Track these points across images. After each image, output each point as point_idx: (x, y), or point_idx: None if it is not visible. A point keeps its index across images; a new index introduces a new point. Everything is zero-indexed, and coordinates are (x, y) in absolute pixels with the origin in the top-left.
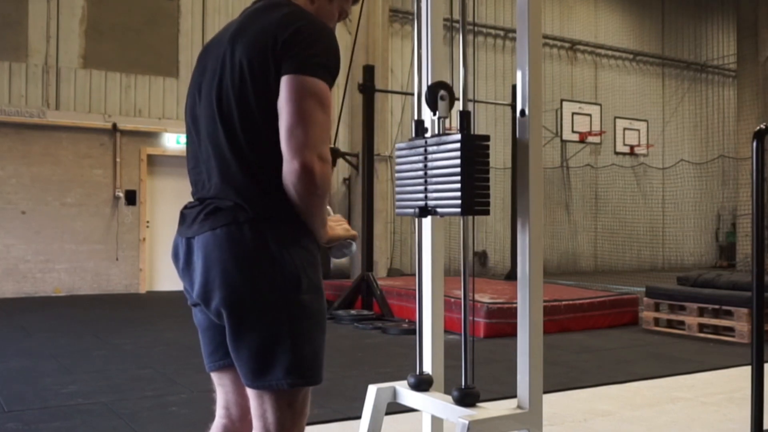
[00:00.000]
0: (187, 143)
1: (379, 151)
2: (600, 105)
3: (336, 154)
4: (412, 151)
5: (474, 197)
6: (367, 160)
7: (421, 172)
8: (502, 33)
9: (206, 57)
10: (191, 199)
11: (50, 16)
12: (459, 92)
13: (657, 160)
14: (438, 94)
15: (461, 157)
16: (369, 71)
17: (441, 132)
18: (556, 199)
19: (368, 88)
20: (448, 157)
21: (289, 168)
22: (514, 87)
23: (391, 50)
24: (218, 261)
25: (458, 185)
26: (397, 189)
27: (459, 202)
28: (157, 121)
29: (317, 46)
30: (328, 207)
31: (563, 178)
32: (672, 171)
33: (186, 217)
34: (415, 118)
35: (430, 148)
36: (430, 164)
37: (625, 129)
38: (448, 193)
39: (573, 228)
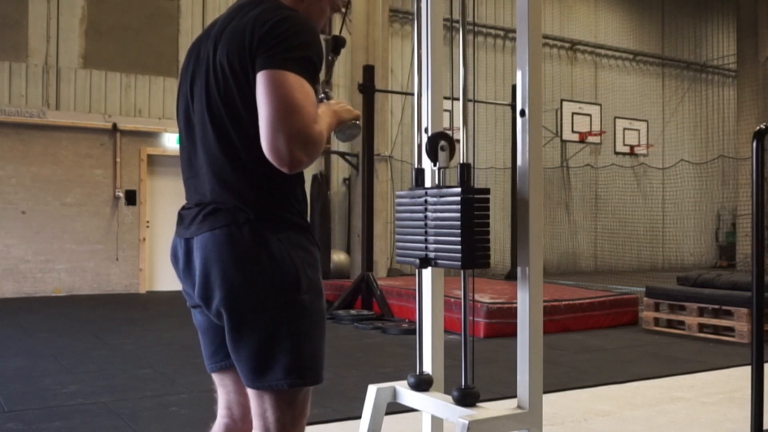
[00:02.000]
0: (181, 147)
1: (379, 151)
2: (600, 105)
3: (341, 42)
4: (413, 201)
5: (474, 251)
6: (367, 160)
7: (421, 222)
8: (502, 33)
9: (193, 57)
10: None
11: (50, 16)
12: (459, 92)
13: (657, 160)
14: (438, 144)
15: (461, 212)
16: (369, 71)
17: (441, 183)
18: (556, 199)
19: (368, 88)
20: (448, 210)
21: (275, 164)
22: (514, 87)
23: (391, 50)
24: (218, 261)
25: (459, 239)
26: (398, 237)
27: (459, 255)
28: (157, 121)
29: (292, 41)
30: (329, 92)
31: (563, 178)
32: (672, 171)
33: (184, 218)
34: (415, 165)
35: (430, 200)
36: (430, 215)
37: (625, 129)
38: (448, 246)
39: (573, 228)
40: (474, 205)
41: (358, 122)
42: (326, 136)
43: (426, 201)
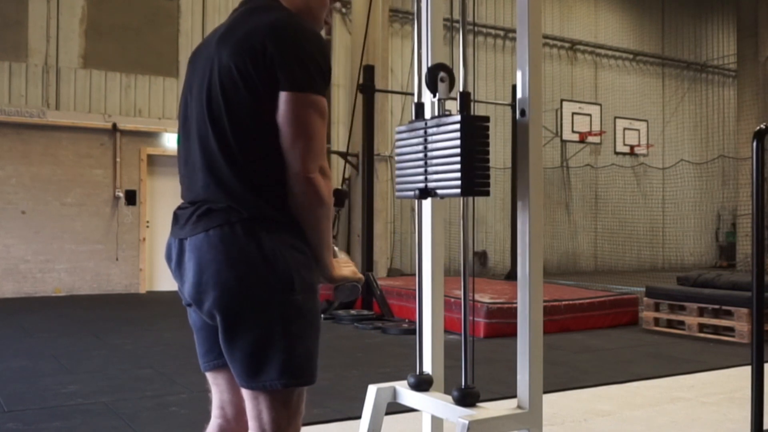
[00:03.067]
0: (179, 146)
1: (379, 151)
2: (600, 105)
3: (344, 195)
4: (412, 134)
5: (474, 178)
6: (367, 160)
7: (421, 154)
8: (502, 33)
9: (196, 60)
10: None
11: (50, 16)
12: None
13: (657, 160)
14: (438, 75)
15: (461, 138)
16: (369, 71)
17: (441, 114)
18: (556, 199)
19: (368, 88)
20: (448, 138)
21: (294, 180)
22: (514, 87)
23: (391, 50)
24: (211, 262)
25: (458, 166)
26: (398, 172)
27: (459, 183)
28: (157, 121)
29: (313, 59)
30: (335, 248)
31: (563, 178)
32: (672, 171)
33: (179, 217)
34: (415, 101)
35: (429, 130)
36: (430, 146)
37: (625, 129)
38: (448, 174)
39: (573, 228)
40: (474, 131)
41: (358, 284)
42: (328, 251)
43: (425, 132)
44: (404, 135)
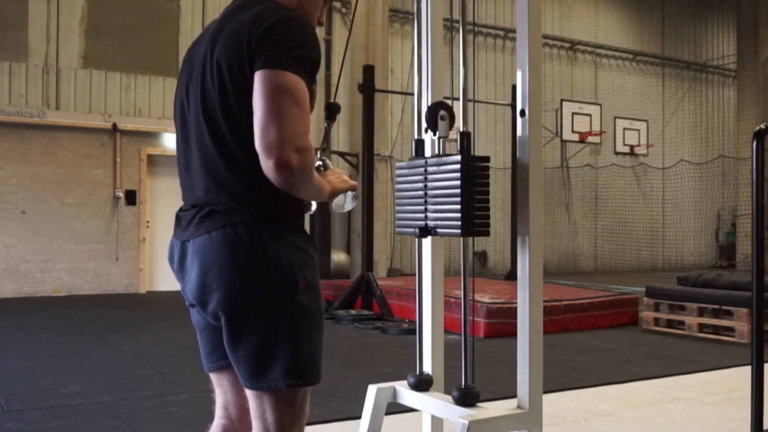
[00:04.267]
0: (178, 149)
1: (379, 151)
2: (600, 105)
3: (335, 108)
4: (412, 171)
5: (474, 218)
6: (367, 160)
7: (421, 192)
8: (502, 33)
9: (190, 59)
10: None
11: (50, 16)
12: (459, 92)
13: (657, 160)
14: (438, 114)
15: (461, 179)
16: (369, 71)
17: (441, 152)
18: (556, 199)
19: (368, 88)
20: (448, 178)
21: (265, 165)
22: (514, 87)
23: (391, 50)
24: (215, 263)
25: (458, 206)
26: (397, 208)
27: (459, 223)
28: (157, 121)
29: (291, 41)
30: (327, 161)
31: (563, 178)
32: (672, 171)
33: (181, 219)
34: (415, 136)
35: (430, 169)
36: (430, 185)
37: (625, 129)
38: (448, 214)
39: (573, 228)
40: (474, 173)
41: (354, 193)
42: (321, 195)
43: (426, 170)
44: (404, 171)
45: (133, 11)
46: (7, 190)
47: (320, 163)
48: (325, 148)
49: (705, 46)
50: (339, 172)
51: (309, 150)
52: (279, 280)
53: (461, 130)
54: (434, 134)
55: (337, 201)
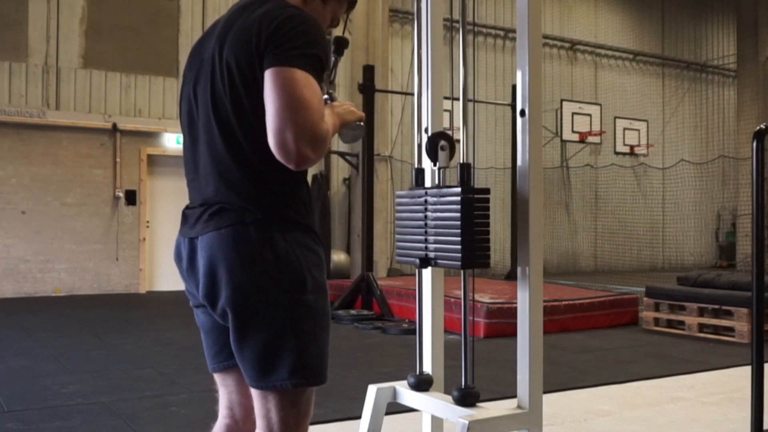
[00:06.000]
0: (185, 149)
1: (379, 151)
2: (600, 105)
3: (344, 42)
4: (413, 200)
5: (474, 251)
6: (367, 160)
7: (421, 222)
8: (502, 33)
9: (196, 57)
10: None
11: (50, 16)
12: (459, 92)
13: (657, 160)
14: (438, 144)
15: (461, 212)
16: (369, 71)
17: (441, 183)
18: (556, 199)
19: (368, 88)
20: (448, 210)
21: (282, 161)
22: (514, 87)
23: (391, 50)
24: (224, 260)
25: (458, 239)
26: (398, 237)
27: (459, 255)
28: (157, 121)
29: (300, 38)
30: (333, 93)
31: (563, 178)
32: (672, 171)
33: (188, 217)
34: (415, 165)
35: (430, 200)
36: (430, 215)
37: (625, 129)
38: (448, 246)
39: (573, 228)
40: (474, 205)
41: (361, 123)
42: (331, 136)
43: (426, 201)
44: (405, 201)
45: (133, 11)
46: (7, 190)
47: (327, 96)
48: (332, 81)
49: (705, 46)
50: (346, 104)
51: (324, 138)
52: (287, 279)
53: (461, 162)
54: (434, 164)
55: (346, 133)
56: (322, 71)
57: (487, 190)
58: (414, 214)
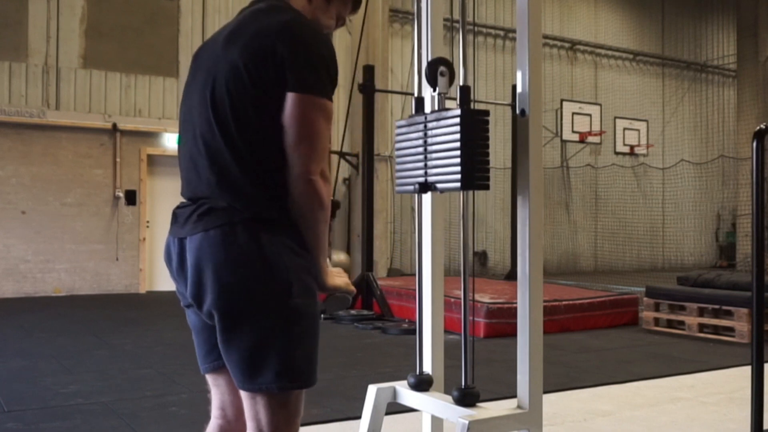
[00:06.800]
0: (181, 142)
1: (379, 151)
2: (600, 105)
3: (335, 206)
4: (412, 128)
5: (474, 171)
6: (367, 160)
7: (420, 149)
8: (502, 33)
9: (200, 58)
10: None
11: (50, 16)
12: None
13: (657, 160)
14: (438, 69)
15: (461, 132)
16: (369, 71)
17: (441, 108)
18: (556, 199)
19: (368, 88)
20: (447, 132)
21: (296, 181)
22: (514, 87)
23: (391, 50)
24: (211, 262)
25: (458, 160)
26: (397, 166)
27: (459, 177)
28: (157, 121)
29: (322, 63)
30: (330, 256)
31: (563, 178)
32: (672, 171)
33: (178, 217)
34: (415, 95)
35: (429, 124)
36: (429, 140)
37: (625, 129)
38: (448, 168)
39: (573, 228)
40: (474, 125)
41: (349, 296)
42: (325, 254)
43: (425, 126)
44: (404, 129)
45: (133, 11)
46: (7, 190)
47: (330, 256)
48: (329, 242)
49: (705, 46)
50: (342, 272)
51: (329, 180)
52: (274, 282)
53: (461, 84)
54: (434, 90)
55: (334, 298)
56: (334, 89)
57: (487, 112)
58: (413, 141)
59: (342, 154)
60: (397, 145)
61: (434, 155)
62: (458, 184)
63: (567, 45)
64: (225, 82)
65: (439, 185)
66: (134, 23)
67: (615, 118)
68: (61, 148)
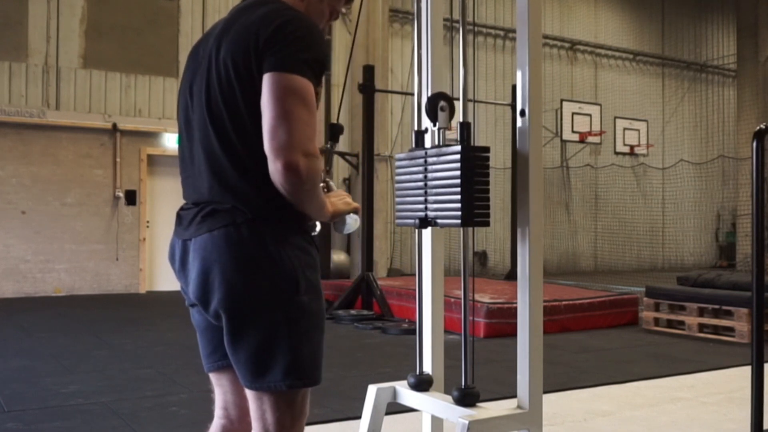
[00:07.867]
0: (180, 146)
1: (379, 151)
2: (600, 105)
3: (329, 153)
4: (412, 162)
5: (474, 209)
6: (367, 160)
7: (421, 183)
8: (502, 33)
9: (194, 57)
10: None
11: (50, 16)
12: (459, 92)
13: (657, 160)
14: (438, 104)
15: (461, 169)
16: (369, 71)
17: (441, 143)
18: (556, 199)
19: (368, 88)
20: (448, 168)
21: (273, 168)
22: (514, 87)
23: (391, 50)
24: (217, 263)
25: (458, 197)
26: (398, 200)
27: (459, 213)
28: (157, 121)
29: (300, 43)
30: (330, 182)
31: (563, 178)
32: (672, 171)
33: (183, 218)
34: (415, 128)
35: (430, 159)
36: (430, 175)
37: (625, 129)
38: (448, 205)
39: (573, 228)
40: (474, 163)
41: (356, 215)
42: (326, 216)
43: (426, 161)
44: (404, 163)
45: (133, 11)
46: (7, 190)
47: (323, 184)
48: (329, 170)
49: (705, 46)
50: (342, 194)
51: (316, 156)
52: (280, 280)
53: (461, 121)
54: (434, 125)
55: (339, 222)
56: (321, 75)
57: (487, 149)
58: (414, 176)
59: (342, 154)
60: (398, 179)
61: (434, 191)
62: (458, 221)
63: (567, 45)
64: (217, 82)
65: (439, 221)
66: (134, 23)
67: (615, 118)
68: (61, 148)
